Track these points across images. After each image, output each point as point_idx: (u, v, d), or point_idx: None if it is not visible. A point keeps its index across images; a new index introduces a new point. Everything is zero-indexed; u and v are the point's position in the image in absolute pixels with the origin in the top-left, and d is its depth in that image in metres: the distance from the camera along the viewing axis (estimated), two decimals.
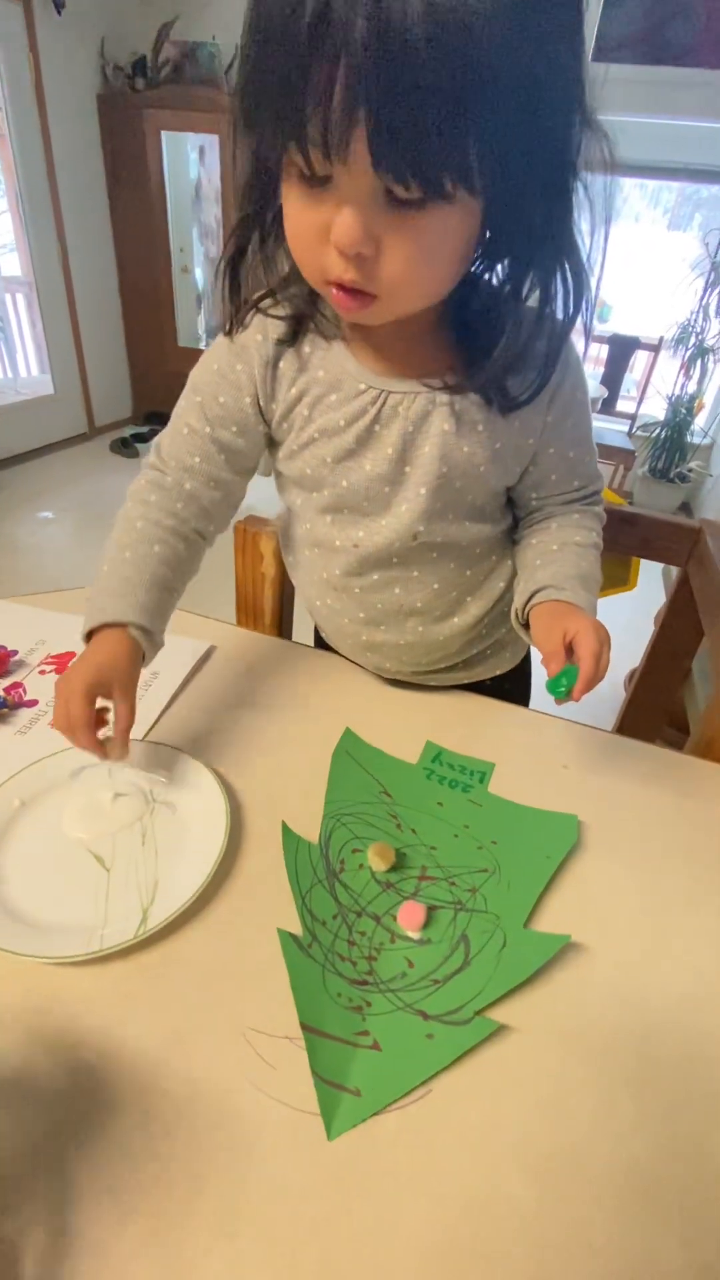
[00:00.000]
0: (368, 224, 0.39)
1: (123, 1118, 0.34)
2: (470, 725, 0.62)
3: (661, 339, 3.25)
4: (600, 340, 3.51)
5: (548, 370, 0.50)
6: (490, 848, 0.50)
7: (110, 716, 0.49)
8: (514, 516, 0.64)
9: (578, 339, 0.51)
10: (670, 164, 2.87)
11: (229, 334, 0.55)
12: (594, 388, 3.33)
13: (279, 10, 0.33)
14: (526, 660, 0.76)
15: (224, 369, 0.56)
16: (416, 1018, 0.39)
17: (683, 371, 3.11)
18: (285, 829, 0.49)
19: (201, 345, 3.63)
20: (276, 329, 0.53)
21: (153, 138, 3.06)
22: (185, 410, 0.58)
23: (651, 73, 2.60)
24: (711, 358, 3.06)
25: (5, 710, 0.59)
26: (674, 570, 0.92)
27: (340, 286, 0.43)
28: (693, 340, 3.03)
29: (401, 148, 0.35)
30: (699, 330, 3.02)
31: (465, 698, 0.66)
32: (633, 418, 3.50)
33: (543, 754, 0.60)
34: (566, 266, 0.45)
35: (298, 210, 0.42)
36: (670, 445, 3.17)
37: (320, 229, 0.41)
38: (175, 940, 0.42)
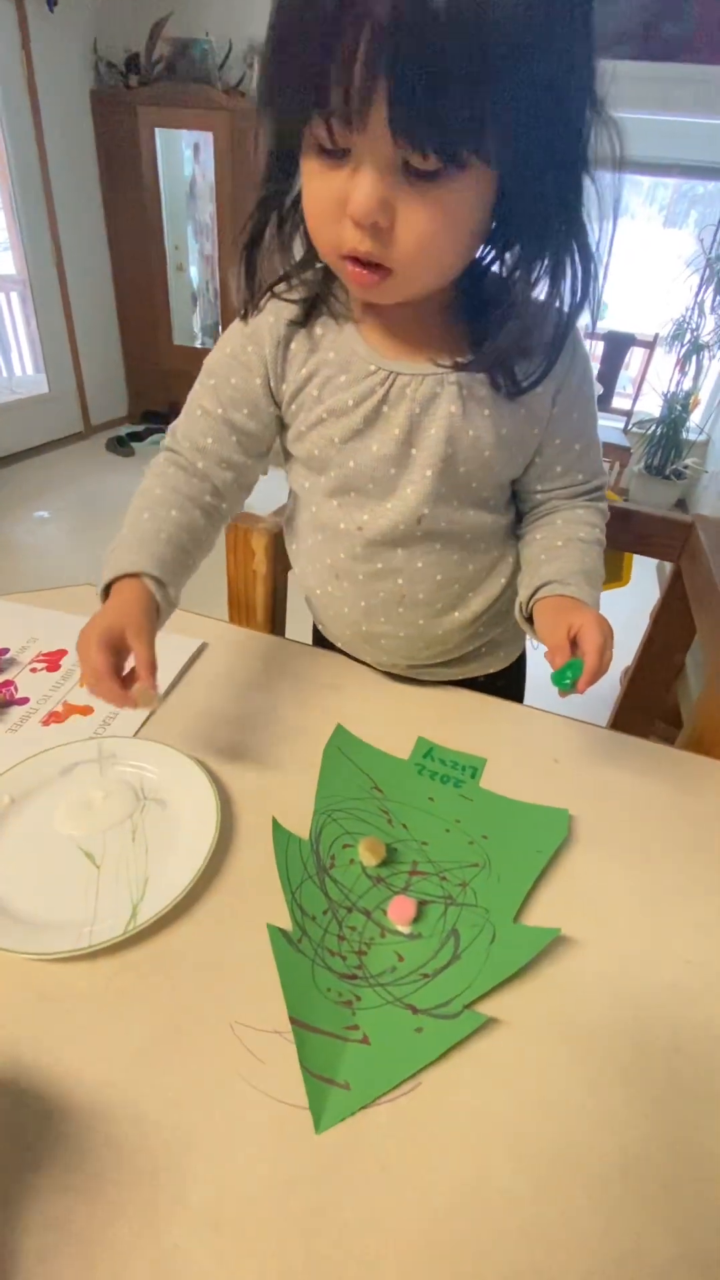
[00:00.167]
0: (384, 194, 0.40)
1: (111, 1112, 0.34)
2: (462, 721, 0.62)
3: (657, 336, 3.25)
4: (596, 337, 3.50)
5: (553, 355, 0.50)
6: (481, 842, 0.50)
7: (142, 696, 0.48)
8: (518, 511, 0.65)
9: (582, 330, 0.52)
10: (666, 160, 2.87)
11: (244, 318, 0.56)
12: None
13: None
14: (521, 660, 0.76)
15: (236, 352, 0.57)
16: (406, 1012, 0.39)
17: (678, 368, 3.11)
18: (276, 825, 0.49)
19: (197, 343, 3.62)
20: (289, 311, 0.54)
21: (146, 135, 3.05)
22: (199, 393, 0.59)
23: (647, 69, 2.60)
24: (707, 354, 3.06)
25: None
26: (668, 566, 0.92)
27: (355, 261, 0.44)
28: (688, 337, 3.03)
29: (420, 116, 0.36)
30: (694, 327, 3.02)
31: (457, 693, 0.66)
32: (628, 414, 3.50)
33: (534, 749, 0.60)
34: (575, 252, 0.45)
35: (316, 183, 0.43)
36: (666, 442, 3.18)
37: (337, 201, 0.42)
38: (165, 936, 0.42)
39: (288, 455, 0.62)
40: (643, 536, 0.87)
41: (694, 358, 3.06)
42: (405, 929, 0.43)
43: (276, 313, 0.55)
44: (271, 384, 0.57)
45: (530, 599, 0.57)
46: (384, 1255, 0.30)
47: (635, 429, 3.35)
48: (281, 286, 0.54)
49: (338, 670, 0.68)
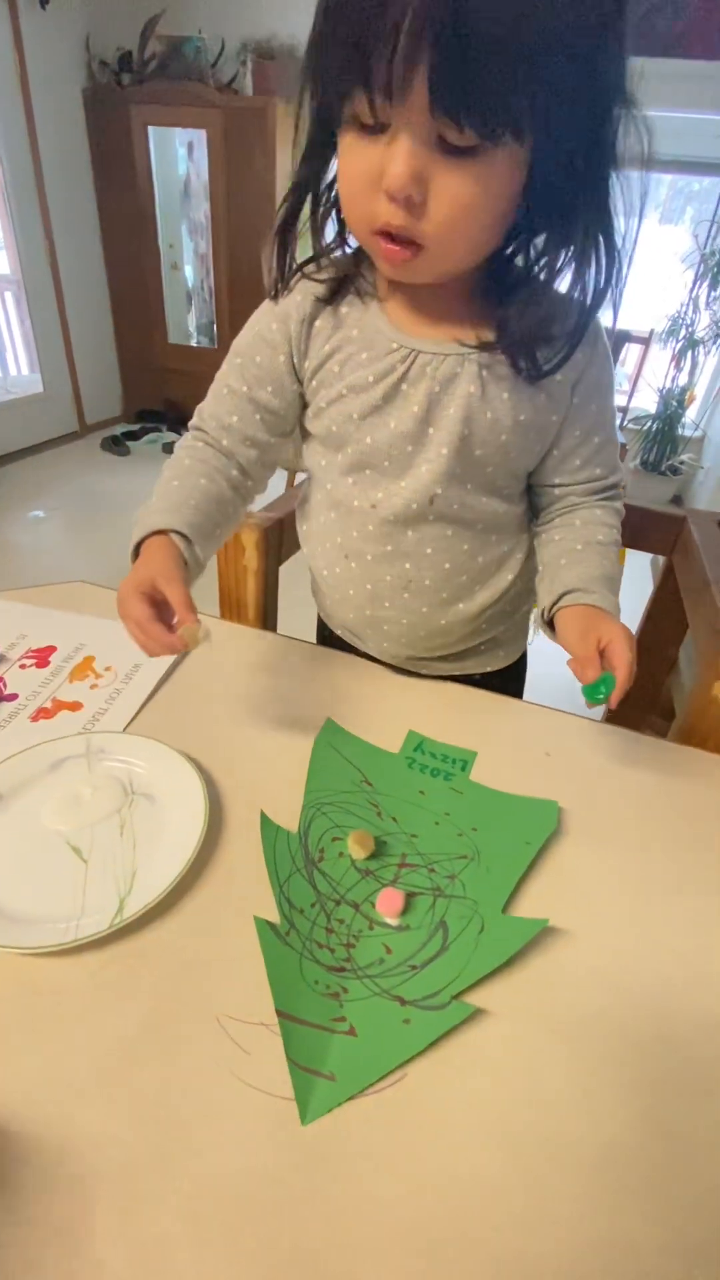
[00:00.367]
0: (419, 167, 0.41)
1: (96, 1104, 0.34)
2: (453, 715, 0.62)
3: (652, 332, 3.24)
4: None
5: (574, 341, 0.51)
6: (470, 834, 0.50)
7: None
8: (535, 506, 0.65)
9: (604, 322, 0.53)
10: (662, 156, 2.85)
11: (273, 298, 0.57)
12: None
13: None
14: (521, 660, 0.76)
15: (262, 330, 0.58)
16: (393, 1003, 0.39)
17: (673, 364, 3.11)
18: (264, 818, 0.49)
19: (193, 342, 3.61)
20: (317, 289, 0.55)
21: (140, 133, 3.04)
22: (226, 373, 0.61)
23: (641, 64, 2.60)
24: (702, 350, 3.06)
25: None
26: (662, 560, 0.92)
27: (388, 237, 0.45)
28: (683, 333, 3.03)
29: (459, 90, 0.37)
30: (689, 322, 3.02)
31: (448, 687, 0.66)
32: (624, 410, 3.49)
33: (525, 742, 0.60)
34: (600, 241, 0.46)
35: (352, 157, 0.44)
36: (662, 438, 3.18)
37: (373, 176, 0.43)
38: (152, 930, 0.42)
39: (306, 434, 0.63)
40: (636, 531, 0.87)
41: (689, 353, 3.06)
42: (393, 921, 0.43)
43: (304, 292, 0.56)
44: (295, 360, 0.58)
45: (554, 605, 0.58)
46: (369, 1245, 0.30)
47: (631, 425, 3.35)
48: (311, 267, 0.56)
49: (329, 665, 0.68)
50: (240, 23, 2.91)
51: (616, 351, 3.49)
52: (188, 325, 3.64)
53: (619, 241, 0.47)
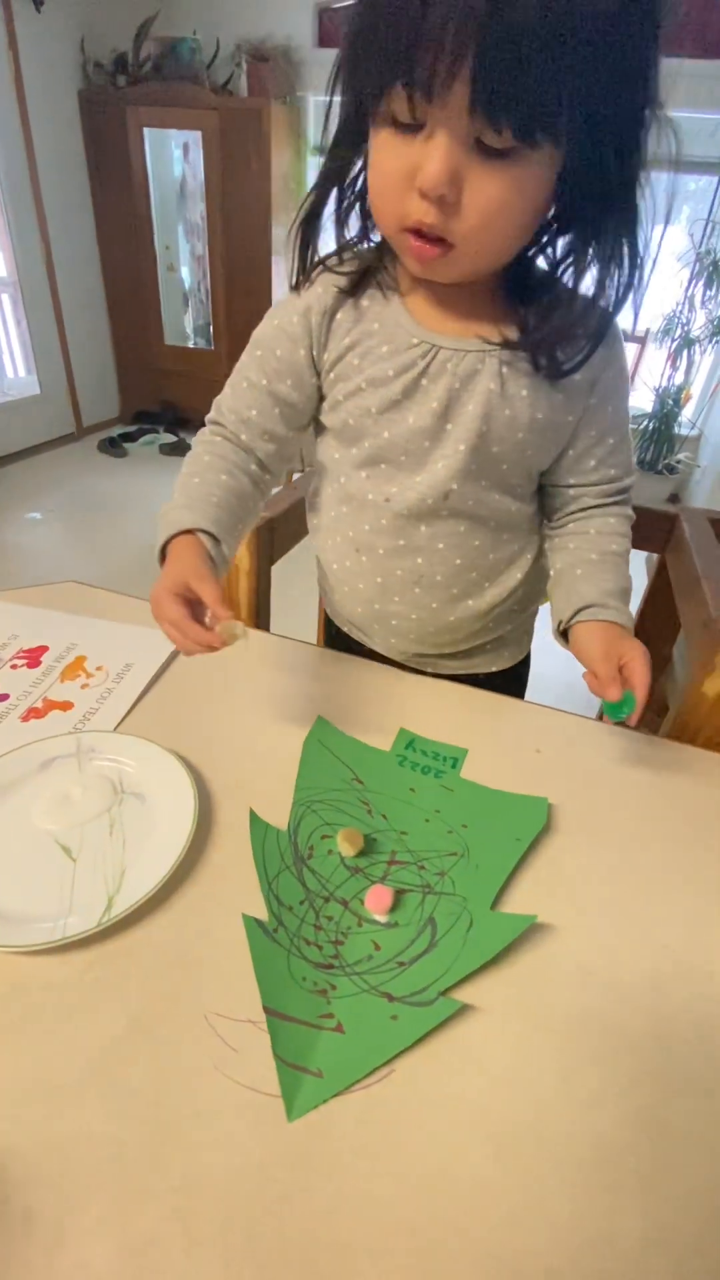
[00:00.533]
0: (454, 167, 0.41)
1: (83, 1101, 0.34)
2: (444, 713, 0.62)
3: (648, 331, 3.24)
4: None
5: (596, 342, 0.51)
6: (460, 831, 0.50)
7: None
8: (547, 507, 0.65)
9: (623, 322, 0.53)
10: (657, 155, 2.86)
11: (295, 289, 0.57)
12: None
13: None
14: (525, 663, 0.77)
15: (284, 323, 0.58)
16: (381, 999, 0.39)
17: (669, 363, 3.11)
18: (253, 816, 0.49)
19: (189, 344, 3.62)
20: (339, 282, 0.55)
21: (135, 135, 3.04)
22: (245, 365, 0.60)
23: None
24: (698, 349, 3.06)
25: None
26: (655, 558, 0.92)
27: (419, 234, 0.45)
28: (679, 332, 3.03)
29: (501, 92, 0.37)
30: (685, 322, 3.02)
31: (440, 685, 0.66)
32: None
33: (517, 739, 0.60)
34: (624, 243, 0.47)
35: (386, 154, 0.44)
36: (658, 437, 3.17)
37: (406, 173, 0.43)
38: (141, 928, 0.42)
39: (319, 427, 0.63)
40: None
41: (685, 352, 3.06)
42: (382, 918, 0.43)
43: (326, 284, 0.56)
44: (315, 352, 0.57)
45: (572, 618, 0.59)
46: (355, 1241, 0.30)
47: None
48: (333, 259, 0.56)
49: (321, 663, 0.68)
50: (235, 24, 2.92)
51: None
52: (184, 326, 3.64)
53: (642, 244, 0.47)
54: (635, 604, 0.97)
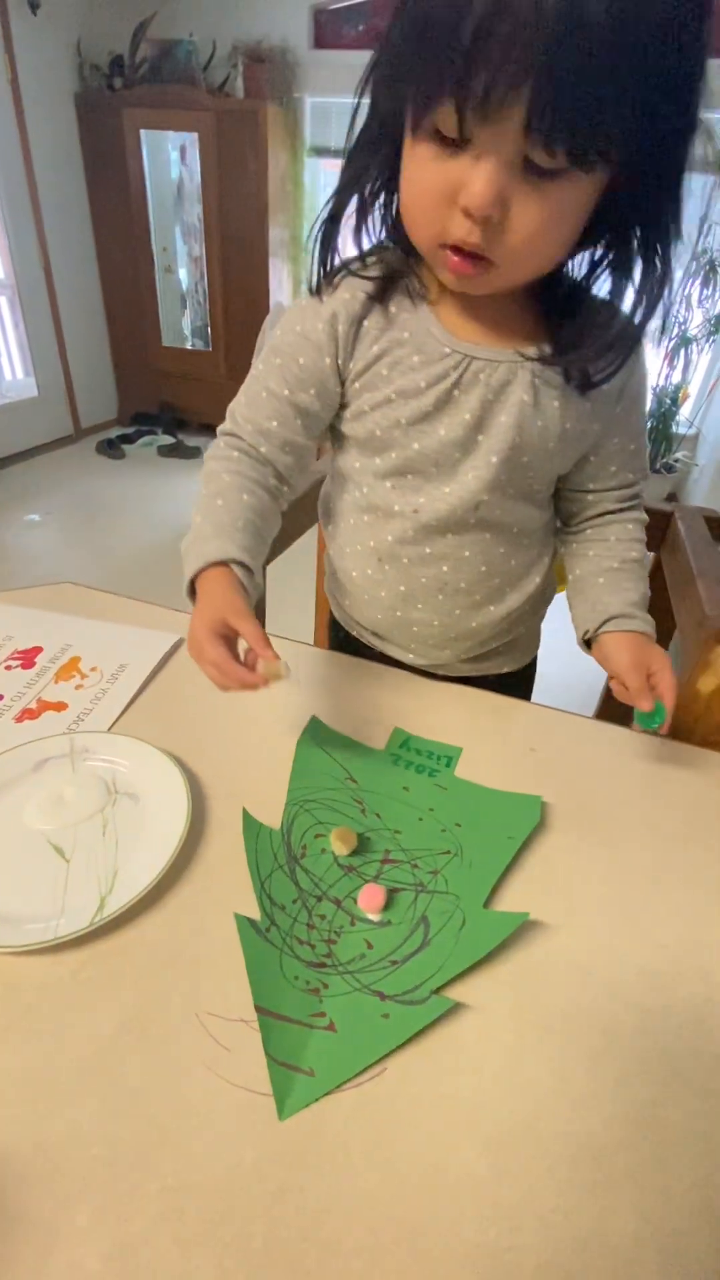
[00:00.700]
0: (502, 187, 0.40)
1: (75, 1101, 0.34)
2: (439, 712, 0.62)
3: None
4: None
5: (626, 354, 0.51)
6: (454, 830, 0.50)
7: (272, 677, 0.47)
8: (563, 511, 0.65)
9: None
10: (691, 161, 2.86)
11: (316, 294, 0.56)
12: None
13: None
14: (533, 663, 0.77)
15: (307, 330, 0.56)
16: (374, 998, 0.39)
17: (666, 362, 3.11)
18: (246, 815, 0.49)
19: (187, 345, 3.61)
20: (366, 287, 0.54)
21: (132, 137, 3.04)
22: (264, 373, 0.58)
23: None
24: (695, 347, 3.06)
25: None
26: (650, 556, 0.92)
27: (458, 251, 0.45)
28: (676, 331, 3.03)
29: (559, 117, 0.37)
30: (682, 321, 3.02)
31: (435, 685, 0.66)
32: None
33: (510, 738, 0.60)
34: (658, 253, 0.46)
35: (427, 170, 0.43)
36: (656, 436, 3.17)
37: (448, 191, 0.42)
38: (133, 928, 0.42)
39: (337, 436, 0.62)
40: None
41: (682, 351, 3.06)
42: (375, 917, 0.43)
43: (352, 290, 0.54)
44: (340, 361, 0.56)
45: (598, 628, 0.59)
46: (347, 1239, 0.30)
47: None
48: (357, 264, 0.54)
49: (315, 665, 0.68)
50: (231, 26, 2.92)
51: None
52: (182, 328, 3.64)
53: (673, 255, 0.47)
54: None
